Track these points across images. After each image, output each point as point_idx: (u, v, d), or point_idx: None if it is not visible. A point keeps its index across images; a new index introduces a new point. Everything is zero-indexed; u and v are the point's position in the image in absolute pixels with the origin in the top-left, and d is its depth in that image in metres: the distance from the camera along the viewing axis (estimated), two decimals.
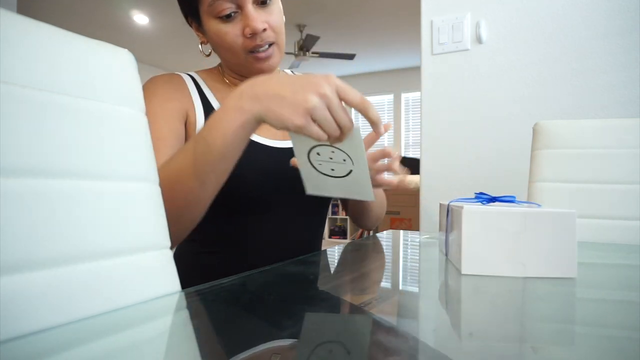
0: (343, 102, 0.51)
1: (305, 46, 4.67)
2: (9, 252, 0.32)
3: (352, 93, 0.50)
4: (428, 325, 0.38)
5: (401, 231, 1.06)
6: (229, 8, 0.70)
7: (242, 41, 0.72)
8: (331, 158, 0.58)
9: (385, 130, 0.56)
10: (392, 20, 4.60)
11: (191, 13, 0.76)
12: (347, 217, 0.97)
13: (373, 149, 0.69)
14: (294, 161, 0.63)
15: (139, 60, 5.20)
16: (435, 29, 1.56)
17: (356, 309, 0.41)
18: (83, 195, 0.38)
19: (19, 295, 0.32)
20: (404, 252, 0.81)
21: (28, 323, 0.32)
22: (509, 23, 1.45)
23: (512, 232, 0.52)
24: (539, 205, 0.58)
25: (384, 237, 0.96)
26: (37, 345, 0.30)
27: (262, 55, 0.74)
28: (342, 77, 6.77)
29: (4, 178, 0.32)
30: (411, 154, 6.25)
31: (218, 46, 0.76)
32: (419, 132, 1.59)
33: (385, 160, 0.69)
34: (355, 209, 0.87)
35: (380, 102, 6.58)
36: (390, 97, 6.50)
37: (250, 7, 0.70)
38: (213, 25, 0.72)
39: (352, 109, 0.54)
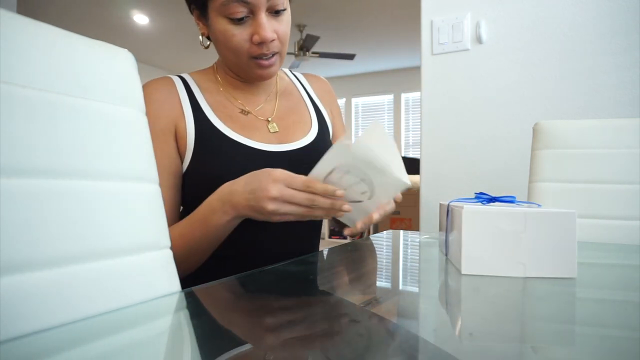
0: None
1: (305, 46, 4.67)
2: (9, 252, 0.32)
3: (296, 182, 0.58)
4: (428, 325, 0.38)
5: (401, 231, 1.06)
6: (242, 12, 0.69)
7: (249, 46, 0.72)
8: (351, 185, 0.58)
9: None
10: (392, 20, 4.60)
11: (197, 3, 0.75)
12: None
13: None
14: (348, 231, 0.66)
15: (139, 60, 5.20)
16: (435, 29, 1.56)
17: (356, 309, 0.41)
18: (83, 195, 0.38)
19: (19, 295, 0.32)
20: (404, 252, 0.81)
21: (28, 323, 0.32)
22: (509, 23, 1.45)
23: (512, 232, 0.52)
24: (539, 205, 0.58)
25: (384, 237, 0.96)
26: (37, 345, 0.30)
27: (265, 62, 0.75)
28: (342, 77, 6.79)
29: (4, 178, 0.32)
30: (411, 154, 6.25)
31: (221, 45, 0.75)
32: (419, 132, 1.59)
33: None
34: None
35: (380, 102, 6.59)
36: (390, 97, 6.50)
37: (263, 15, 0.70)
38: (221, 24, 0.71)
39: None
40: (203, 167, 0.73)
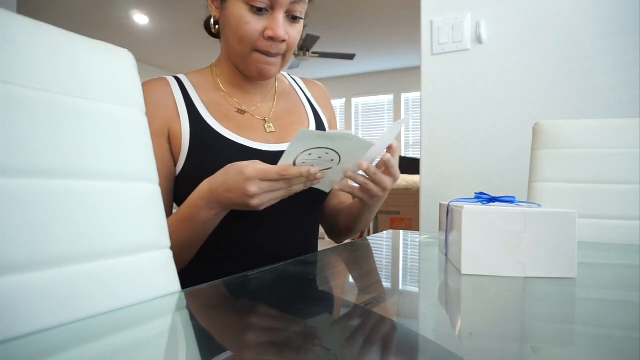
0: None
1: (305, 46, 4.67)
2: (9, 252, 0.32)
3: (270, 174, 0.59)
4: (428, 325, 0.38)
5: (401, 231, 1.06)
6: (263, 3, 0.70)
7: (258, 38, 0.72)
8: (320, 157, 0.61)
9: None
10: (392, 20, 4.60)
11: None
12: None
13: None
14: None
15: (139, 60, 5.20)
16: (435, 29, 1.56)
17: (356, 309, 0.41)
18: (83, 195, 0.38)
19: (19, 295, 0.32)
20: (404, 252, 0.81)
21: (28, 323, 0.32)
22: (509, 23, 1.45)
23: (512, 232, 0.52)
24: (539, 205, 0.58)
25: (384, 237, 0.96)
26: (37, 345, 0.30)
27: (268, 60, 0.74)
28: (342, 77, 6.80)
29: (4, 178, 0.32)
30: (411, 154, 6.25)
31: (231, 30, 0.74)
32: (419, 132, 1.59)
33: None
34: (341, 227, 0.90)
35: (380, 102, 6.59)
36: (390, 97, 6.50)
37: (281, 14, 0.71)
38: (239, 9, 0.71)
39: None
40: (198, 166, 0.73)
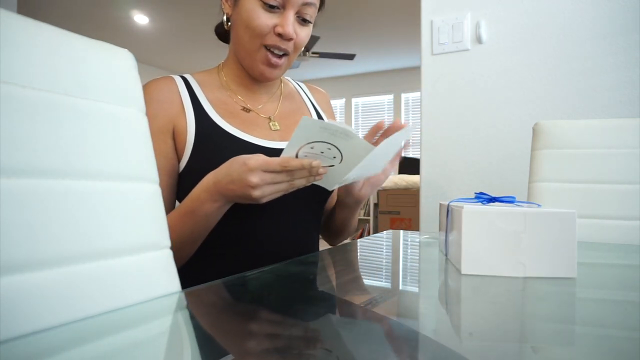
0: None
1: (305, 46, 4.67)
2: (9, 252, 0.32)
3: (272, 165, 0.59)
4: (428, 325, 0.38)
5: (401, 231, 1.06)
6: (276, 0, 0.72)
7: (268, 33, 0.73)
8: (322, 152, 0.61)
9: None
10: (392, 20, 4.60)
11: None
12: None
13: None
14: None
15: (139, 60, 5.19)
16: (435, 29, 1.56)
17: (356, 309, 0.41)
18: (83, 195, 0.38)
19: (19, 295, 0.32)
20: (404, 252, 0.81)
21: (28, 323, 0.32)
22: (509, 23, 1.45)
23: (512, 232, 0.52)
24: (539, 205, 0.58)
25: (384, 237, 0.96)
26: (37, 345, 0.30)
27: (274, 60, 0.76)
28: (342, 77, 6.80)
29: (4, 178, 0.32)
30: (411, 154, 6.25)
31: (243, 24, 0.75)
32: (419, 132, 1.59)
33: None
34: (331, 228, 0.91)
35: (380, 102, 6.59)
36: (390, 97, 6.50)
37: (292, 13, 0.73)
38: (251, 4, 0.73)
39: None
40: (202, 163, 0.73)
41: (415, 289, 0.53)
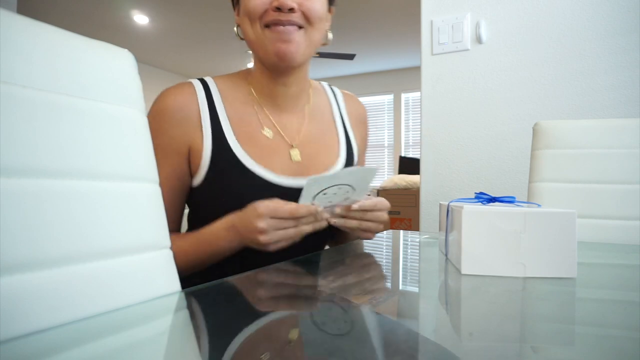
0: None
1: None
2: (9, 252, 0.32)
3: (281, 213, 0.60)
4: (428, 325, 0.38)
5: (401, 231, 1.06)
6: None
7: (265, 11, 0.68)
8: (335, 193, 0.64)
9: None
10: (392, 20, 4.60)
11: None
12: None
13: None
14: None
15: (139, 60, 5.20)
16: (435, 29, 1.56)
17: (356, 309, 0.41)
18: (83, 195, 0.38)
19: (19, 295, 0.32)
20: (404, 252, 0.81)
21: (28, 323, 0.32)
22: (509, 23, 1.45)
23: (512, 232, 0.52)
24: (539, 205, 0.58)
25: (384, 237, 0.96)
26: (37, 345, 0.30)
27: (283, 34, 0.69)
28: (342, 77, 6.79)
29: (4, 178, 0.32)
30: (411, 154, 6.25)
31: (244, 17, 0.71)
32: (419, 132, 1.59)
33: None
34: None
35: (380, 102, 6.59)
36: (390, 97, 6.50)
37: None
38: None
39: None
40: (215, 191, 0.72)
41: (415, 289, 0.53)
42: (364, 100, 6.68)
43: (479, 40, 1.48)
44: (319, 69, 6.33)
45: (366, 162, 0.97)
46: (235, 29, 0.77)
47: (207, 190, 0.73)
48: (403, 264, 0.68)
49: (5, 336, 0.30)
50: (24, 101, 0.35)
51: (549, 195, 1.04)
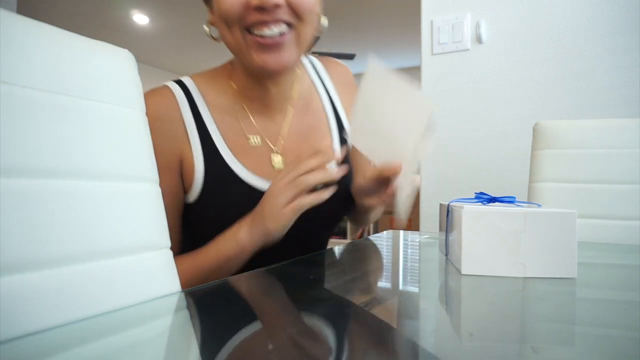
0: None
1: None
2: (9, 252, 0.32)
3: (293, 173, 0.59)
4: (428, 325, 0.38)
5: (401, 231, 1.06)
6: None
7: (243, 12, 0.57)
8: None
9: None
10: (392, 20, 4.60)
11: None
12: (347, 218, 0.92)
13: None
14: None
15: (139, 60, 5.18)
16: (435, 29, 1.56)
17: (356, 309, 0.41)
18: (83, 195, 0.38)
19: (19, 295, 0.32)
20: (404, 252, 0.81)
21: (28, 323, 0.32)
22: (509, 23, 1.45)
23: (512, 232, 0.52)
24: (539, 206, 0.58)
25: (384, 237, 0.96)
26: (37, 345, 0.30)
27: (267, 41, 0.58)
28: None
29: (4, 178, 0.32)
30: None
31: (219, 19, 0.61)
32: None
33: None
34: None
35: None
36: None
37: None
38: None
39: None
40: (212, 207, 0.67)
41: (415, 289, 0.53)
42: None
43: (479, 40, 1.48)
44: None
45: None
46: (204, 27, 0.66)
47: (204, 207, 0.67)
48: (403, 264, 0.68)
49: (5, 336, 0.30)
50: (24, 101, 0.35)
51: (549, 195, 1.04)
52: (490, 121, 1.48)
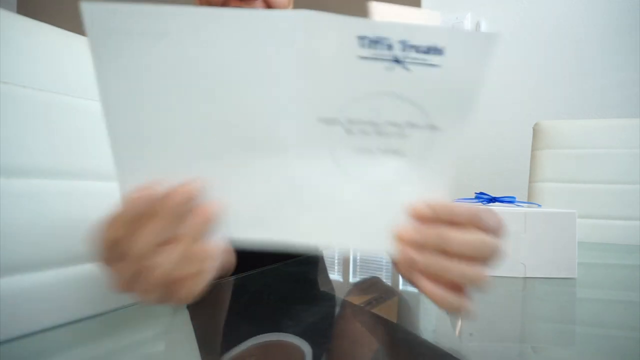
0: None
1: None
2: (9, 252, 0.32)
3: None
4: (428, 325, 0.38)
5: None
6: None
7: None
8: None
9: None
10: None
11: None
12: None
13: None
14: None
15: None
16: None
17: (356, 309, 0.41)
18: (83, 194, 0.38)
19: (19, 295, 0.32)
20: None
21: (28, 323, 0.32)
22: (509, 23, 1.45)
23: (512, 232, 0.52)
24: (539, 206, 0.58)
25: None
26: (37, 345, 0.30)
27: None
28: None
29: (4, 178, 0.32)
30: None
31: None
32: None
33: None
34: None
35: None
36: None
37: None
38: None
39: None
40: None
41: (415, 289, 0.53)
42: None
43: None
44: None
45: None
46: None
47: None
48: None
49: (5, 336, 0.30)
50: (24, 101, 0.35)
51: (549, 195, 1.04)
52: (491, 121, 1.47)
